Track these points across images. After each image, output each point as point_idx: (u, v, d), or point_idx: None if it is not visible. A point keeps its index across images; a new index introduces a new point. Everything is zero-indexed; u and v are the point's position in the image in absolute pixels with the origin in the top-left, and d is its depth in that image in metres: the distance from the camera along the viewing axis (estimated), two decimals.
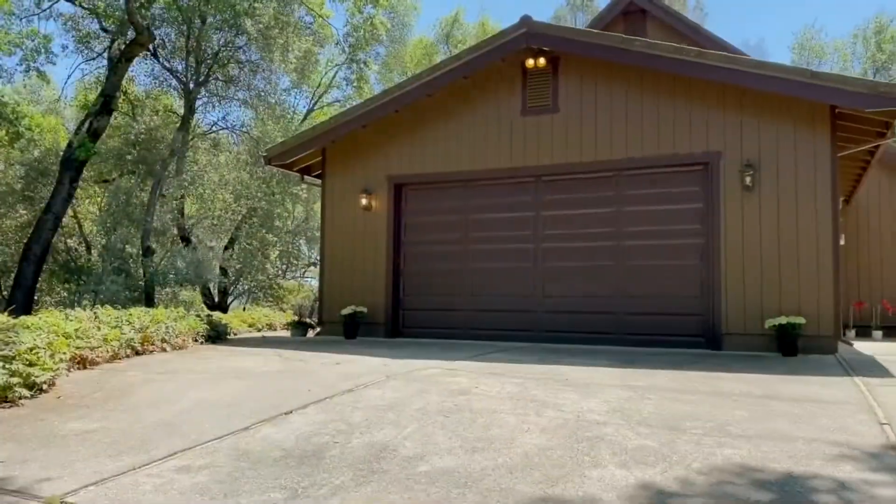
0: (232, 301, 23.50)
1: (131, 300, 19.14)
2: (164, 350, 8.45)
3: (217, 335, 10.40)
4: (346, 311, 11.39)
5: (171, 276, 17.71)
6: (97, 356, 7.07)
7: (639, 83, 10.11)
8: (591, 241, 10.40)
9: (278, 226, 21.07)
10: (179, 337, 8.95)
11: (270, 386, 6.15)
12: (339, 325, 11.58)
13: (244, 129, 21.01)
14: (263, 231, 21.85)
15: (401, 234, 11.81)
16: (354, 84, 23.29)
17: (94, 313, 8.30)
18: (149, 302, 18.10)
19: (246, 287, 23.63)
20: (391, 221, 11.73)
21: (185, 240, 21.20)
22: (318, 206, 27.25)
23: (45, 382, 5.67)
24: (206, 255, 20.08)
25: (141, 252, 18.69)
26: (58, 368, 5.96)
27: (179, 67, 20.40)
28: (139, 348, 7.99)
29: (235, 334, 11.43)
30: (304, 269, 27.10)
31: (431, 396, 5.54)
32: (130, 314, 8.49)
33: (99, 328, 7.55)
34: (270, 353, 8.65)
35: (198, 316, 10.32)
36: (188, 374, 6.79)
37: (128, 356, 7.71)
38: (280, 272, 22.87)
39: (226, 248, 22.12)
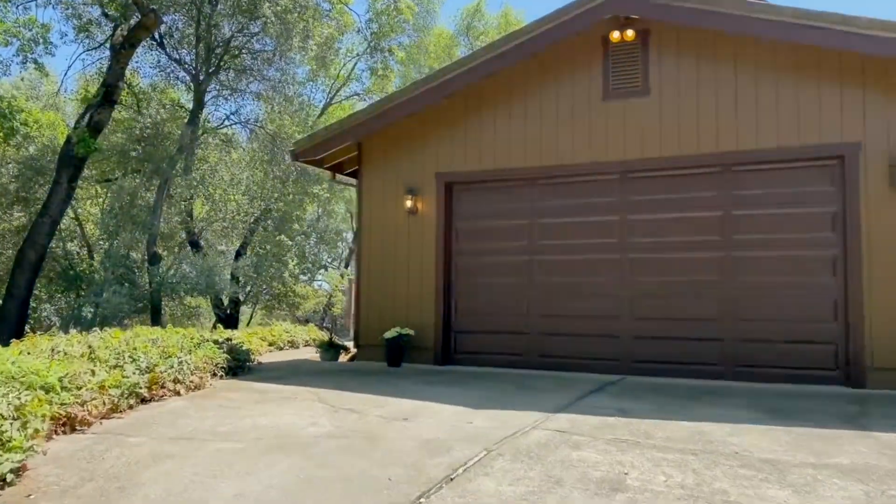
0: (243, 310, 21.76)
1: (136, 311, 17.43)
2: (176, 393, 6.67)
3: (238, 365, 8.63)
4: (389, 335, 9.61)
5: (181, 285, 15.94)
6: (90, 412, 5.29)
7: (752, 58, 8.30)
8: (691, 251, 8.58)
9: (296, 229, 19.28)
10: (195, 373, 7.18)
11: (331, 469, 4.36)
12: (380, 349, 9.81)
13: (258, 124, 19.22)
14: (279, 235, 20.09)
15: (452, 243, 10.02)
16: (379, 73, 21.49)
17: (90, 347, 6.52)
18: (155, 315, 16.37)
19: (258, 294, 21.85)
20: (441, 227, 9.94)
21: (195, 245, 19.47)
22: (337, 207, 25.55)
23: (11, 471, 3.90)
24: (217, 261, 18.34)
25: (146, 258, 16.93)
26: (31, 446, 4.18)
27: (188, 59, 18.66)
28: (145, 394, 6.21)
29: (258, 362, 9.64)
30: (315, 272, 25.34)
31: (574, 496, 3.75)
32: (135, 348, 6.71)
33: (94, 371, 5.77)
34: (309, 396, 6.86)
35: (216, 343, 8.54)
36: (213, 441, 5.00)
37: (131, 407, 5.93)
38: (296, 279, 21.10)
39: (238, 253, 20.37)
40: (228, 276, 17.59)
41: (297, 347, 13.82)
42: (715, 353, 8.33)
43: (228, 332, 11.26)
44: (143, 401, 6.22)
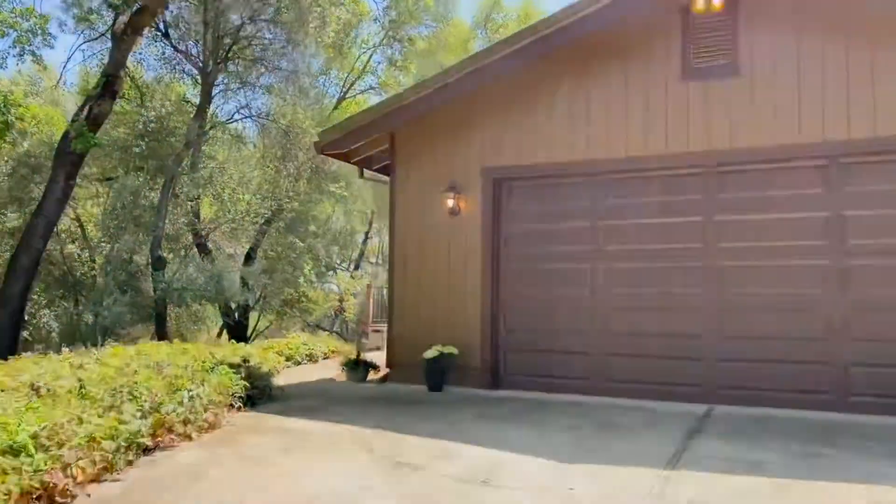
0: (251, 315, 20.51)
1: (140, 320, 16.18)
2: (187, 437, 5.40)
3: (259, 391, 7.36)
4: (430, 355, 8.33)
5: (187, 291, 14.68)
6: (75, 477, 4.02)
7: (869, 28, 6.99)
8: (791, 258, 7.27)
9: (313, 230, 18.03)
10: (209, 409, 5.91)
11: None
12: (416, 369, 8.52)
13: (270, 118, 17.96)
14: (291, 237, 18.82)
15: (501, 247, 8.72)
16: (398, 64, 20.21)
17: (80, 381, 5.25)
18: (160, 323, 15.13)
19: (269, 300, 20.57)
20: (488, 229, 8.65)
21: (202, 247, 18.23)
22: (354, 206, 24.13)
23: None
24: (226, 265, 17.10)
25: (151, 263, 15.69)
26: None
27: (194, 51, 17.42)
28: (148, 442, 4.94)
29: (279, 386, 8.34)
30: (327, 275, 24.10)
31: None
32: (135, 381, 5.44)
33: (81, 419, 4.50)
34: (352, 441, 5.57)
35: (231, 367, 7.25)
36: None
37: (130, 463, 4.65)
38: (310, 284, 19.85)
39: (248, 256, 19.12)
40: (238, 281, 16.34)
41: (316, 361, 12.56)
42: (822, 378, 7.01)
43: (243, 349, 9.99)
44: (146, 450, 4.95)
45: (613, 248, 8.12)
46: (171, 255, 16.73)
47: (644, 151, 7.85)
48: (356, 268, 33.98)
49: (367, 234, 29.29)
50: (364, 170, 9.93)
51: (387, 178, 9.87)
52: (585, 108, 8.22)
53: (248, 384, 7.08)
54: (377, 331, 17.05)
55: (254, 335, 29.40)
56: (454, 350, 8.39)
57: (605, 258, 8.15)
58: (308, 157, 17.18)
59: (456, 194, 8.73)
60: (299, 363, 11.98)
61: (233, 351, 9.35)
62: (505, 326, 8.65)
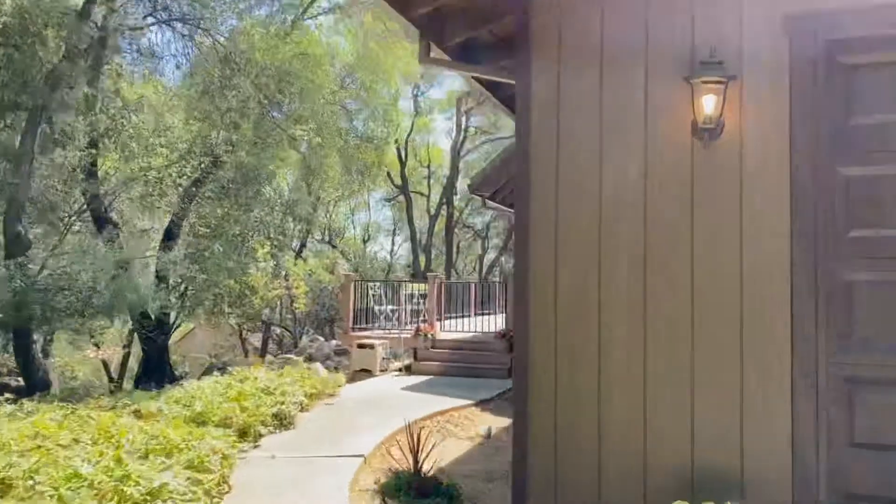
0: (177, 323, 14.54)
1: None
2: None
3: None
4: None
5: (67, 299, 8.75)
6: None
7: None
8: None
9: (266, 195, 12.26)
10: None
11: None
12: None
13: (201, 27, 11.98)
14: (234, 205, 12.97)
15: (839, 212, 3.32)
16: None
17: None
18: (21, 349, 9.18)
19: (200, 294, 14.56)
20: (805, 171, 3.28)
21: (101, 222, 12.20)
22: (333, 160, 17.75)
23: None
24: (136, 247, 11.20)
25: (4, 245, 9.65)
26: None
27: None
28: None
29: None
30: (281, 258, 18.24)
31: None
32: None
33: None
34: None
35: None
36: None
37: None
38: (266, 271, 14.10)
39: (167, 234, 13.18)
40: (153, 275, 10.49)
41: (292, 425, 6.98)
42: None
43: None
44: None
45: None
46: (42, 233, 10.67)
47: None
48: (303, 246, 28.09)
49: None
50: (432, 45, 4.35)
51: (471, 72, 4.43)
52: None
53: None
54: (364, 345, 11.57)
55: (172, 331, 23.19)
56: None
57: None
58: (259, 85, 11.36)
59: (718, 84, 3.30)
60: (260, 437, 6.37)
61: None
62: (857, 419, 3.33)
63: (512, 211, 13.31)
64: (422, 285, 13.48)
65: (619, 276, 3.58)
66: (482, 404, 8.75)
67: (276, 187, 13.50)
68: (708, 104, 3.29)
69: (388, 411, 7.91)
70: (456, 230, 31.86)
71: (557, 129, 3.74)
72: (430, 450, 5.19)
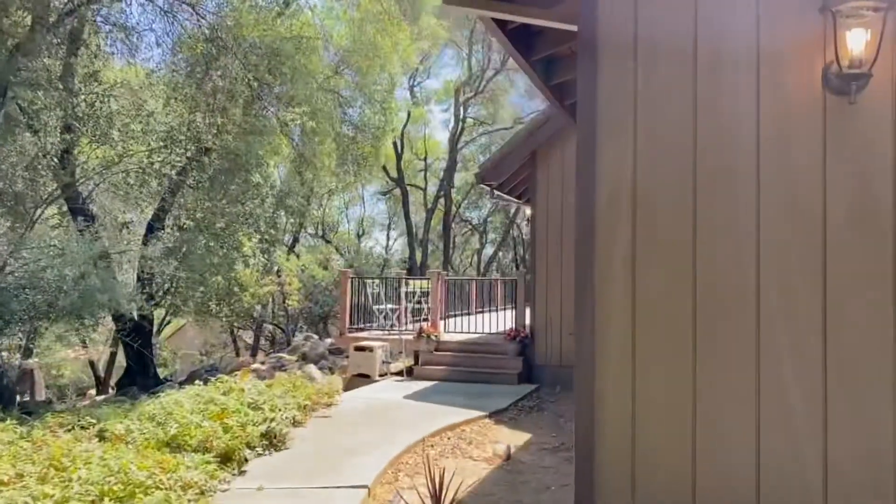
0: (166, 320, 13.59)
1: None
2: None
3: None
4: None
5: (30, 299, 7.78)
6: None
7: None
8: None
9: (255, 184, 11.30)
10: None
11: None
12: None
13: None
14: (221, 195, 12.00)
15: None
16: None
17: None
18: None
19: (185, 292, 13.58)
20: None
21: (77, 215, 11.26)
22: (324, 145, 16.56)
23: None
24: (115, 240, 10.24)
25: None
26: None
27: None
28: None
29: None
30: (273, 253, 17.25)
31: None
32: None
33: None
34: None
35: None
36: None
37: None
38: (256, 268, 13.14)
39: (150, 228, 12.22)
40: (133, 273, 9.52)
41: (283, 445, 6.06)
42: None
43: None
44: None
45: None
46: (8, 226, 9.70)
47: None
48: (295, 241, 27.14)
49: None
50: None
51: (507, 13, 3.52)
52: None
53: None
54: (363, 347, 10.66)
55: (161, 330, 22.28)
56: None
57: None
58: (248, 65, 10.39)
59: (876, 11, 2.39)
60: (245, 464, 5.45)
61: None
62: None
63: (518, 202, 12.44)
64: (423, 282, 12.55)
65: (720, 264, 2.69)
66: (496, 416, 7.85)
67: (266, 176, 12.51)
68: (855, 41, 2.39)
69: (391, 425, 7.01)
70: (453, 224, 30.92)
71: (635, 79, 2.83)
72: (449, 483, 4.31)
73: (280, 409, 6.40)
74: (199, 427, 5.39)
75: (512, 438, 6.93)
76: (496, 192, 10.75)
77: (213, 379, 7.31)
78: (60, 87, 10.88)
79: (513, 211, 31.90)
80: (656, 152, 2.79)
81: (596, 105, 2.86)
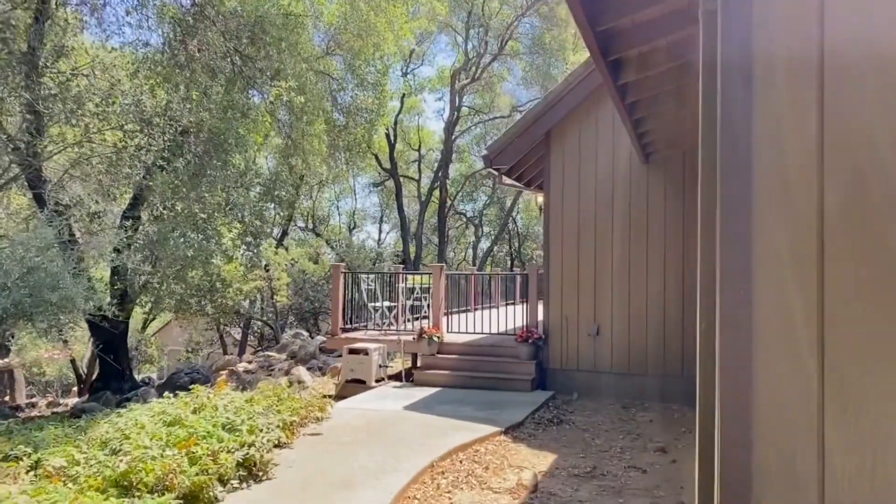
0: (151, 317, 12.47)
1: None
2: None
3: None
4: None
5: None
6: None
7: None
8: None
9: (237, 166, 10.19)
10: None
11: None
12: None
13: None
14: (196, 183, 10.88)
15: None
16: None
17: None
18: None
19: (162, 287, 12.44)
20: None
21: (42, 201, 10.17)
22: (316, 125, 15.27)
23: None
24: (88, 231, 9.13)
25: None
26: None
27: None
28: None
29: None
30: (257, 246, 16.12)
31: None
32: None
33: None
34: None
35: None
36: None
37: None
38: (240, 263, 12.05)
39: (124, 216, 11.11)
40: (108, 269, 8.42)
41: (264, 475, 5.01)
42: None
43: None
44: None
45: None
46: None
47: None
48: (284, 234, 26.00)
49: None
50: None
51: None
52: None
53: None
54: (357, 350, 9.62)
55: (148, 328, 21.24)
56: None
57: None
58: (229, 34, 9.28)
59: None
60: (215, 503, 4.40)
61: None
62: None
63: (527, 188, 11.40)
64: (422, 277, 11.50)
65: None
66: (512, 432, 6.83)
67: (250, 161, 11.39)
68: None
69: (393, 446, 5.97)
70: (448, 217, 29.86)
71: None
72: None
73: (262, 431, 5.35)
74: (159, 459, 4.33)
75: (534, 461, 5.93)
76: (505, 178, 9.73)
77: (189, 387, 6.26)
78: (24, 64, 9.79)
79: (509, 204, 30.87)
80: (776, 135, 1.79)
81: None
